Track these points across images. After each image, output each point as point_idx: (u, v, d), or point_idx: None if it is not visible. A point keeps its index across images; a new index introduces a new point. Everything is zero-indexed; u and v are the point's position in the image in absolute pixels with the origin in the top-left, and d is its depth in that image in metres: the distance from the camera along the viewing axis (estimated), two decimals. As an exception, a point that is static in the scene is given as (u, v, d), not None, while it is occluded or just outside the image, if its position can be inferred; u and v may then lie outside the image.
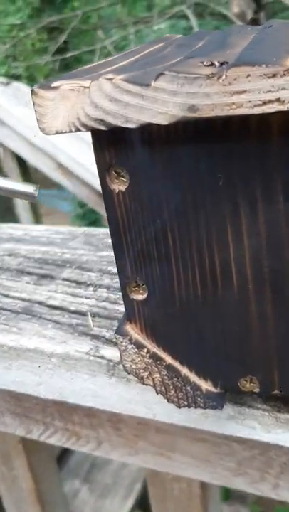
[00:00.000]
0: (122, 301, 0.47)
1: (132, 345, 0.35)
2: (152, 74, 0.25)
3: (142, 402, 0.41)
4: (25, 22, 4.72)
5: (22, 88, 2.28)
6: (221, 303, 0.31)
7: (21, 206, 2.46)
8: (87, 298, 0.49)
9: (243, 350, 0.32)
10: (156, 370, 0.35)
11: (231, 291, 0.31)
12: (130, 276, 0.33)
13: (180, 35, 0.42)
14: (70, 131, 0.27)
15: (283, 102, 0.23)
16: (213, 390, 0.34)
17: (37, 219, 2.49)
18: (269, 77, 0.23)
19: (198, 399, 0.34)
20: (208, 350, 0.33)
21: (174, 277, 0.32)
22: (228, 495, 1.88)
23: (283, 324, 0.31)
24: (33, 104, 0.27)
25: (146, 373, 0.35)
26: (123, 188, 0.30)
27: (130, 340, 0.35)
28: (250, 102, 0.24)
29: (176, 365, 0.34)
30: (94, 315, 0.46)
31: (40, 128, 0.27)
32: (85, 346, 0.43)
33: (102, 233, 0.61)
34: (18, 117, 2.04)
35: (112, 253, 0.55)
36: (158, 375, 0.35)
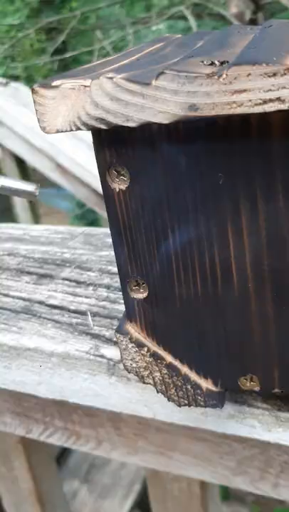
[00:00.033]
0: (121, 301, 0.47)
1: (133, 344, 0.35)
2: (153, 73, 0.25)
3: (142, 401, 0.41)
4: (23, 22, 4.72)
5: (21, 88, 2.28)
6: (222, 301, 0.31)
7: (20, 206, 2.46)
8: (87, 297, 0.49)
9: (243, 349, 0.32)
10: (157, 368, 0.35)
11: (232, 290, 0.31)
12: (130, 275, 0.33)
13: (180, 35, 0.42)
14: (71, 130, 0.27)
15: (284, 101, 0.23)
16: (213, 388, 0.34)
17: (36, 219, 2.49)
18: (269, 76, 0.23)
19: (199, 397, 0.35)
20: (209, 348, 0.33)
21: (174, 276, 0.32)
22: (228, 495, 1.88)
23: (283, 323, 0.31)
24: (34, 102, 0.27)
25: (147, 372, 0.35)
26: (123, 186, 0.30)
27: (130, 339, 0.35)
28: (250, 101, 0.24)
29: (177, 363, 0.34)
30: (94, 314, 0.46)
31: (40, 127, 0.27)
32: (85, 345, 0.43)
33: (102, 233, 0.61)
34: (16, 117, 2.05)
35: (112, 253, 0.55)
36: (158, 374, 0.35)
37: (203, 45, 0.32)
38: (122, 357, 0.36)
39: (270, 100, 0.23)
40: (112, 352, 0.42)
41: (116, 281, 0.50)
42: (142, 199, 0.30)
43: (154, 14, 3.73)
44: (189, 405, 0.35)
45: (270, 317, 0.31)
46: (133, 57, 0.31)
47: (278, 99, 0.23)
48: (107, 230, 0.61)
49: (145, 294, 0.33)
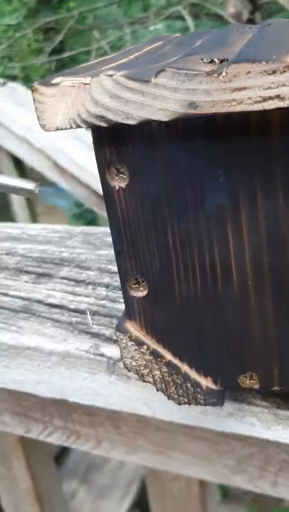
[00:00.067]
0: (121, 300, 0.47)
1: (132, 343, 0.35)
2: (153, 70, 0.25)
3: (141, 400, 0.41)
4: (21, 22, 4.71)
5: (18, 88, 2.28)
6: (221, 299, 0.31)
7: (18, 205, 2.46)
8: (86, 296, 0.49)
9: (243, 347, 0.32)
10: (157, 367, 0.35)
11: (231, 288, 0.31)
12: (130, 273, 0.33)
13: (178, 34, 0.42)
14: (71, 128, 0.27)
15: (283, 98, 0.23)
16: (213, 386, 0.34)
17: (34, 218, 2.49)
18: (269, 74, 0.23)
19: (199, 396, 0.35)
20: (208, 346, 0.33)
21: (174, 274, 0.32)
22: (226, 494, 1.88)
23: (283, 320, 0.31)
24: (34, 100, 0.27)
25: (147, 370, 0.35)
26: (123, 184, 0.30)
27: (130, 337, 0.35)
28: (250, 98, 0.24)
29: (177, 362, 0.34)
30: (93, 313, 0.46)
31: (40, 125, 0.27)
32: (84, 344, 0.43)
33: (101, 232, 0.61)
34: (14, 117, 2.04)
35: (111, 252, 0.55)
36: (158, 372, 0.35)
37: (202, 43, 0.32)
38: (121, 355, 0.36)
39: (270, 98, 0.23)
40: (111, 351, 0.42)
41: (115, 280, 0.50)
42: (141, 197, 0.30)
43: (152, 14, 3.73)
44: (189, 403, 0.35)
45: (269, 315, 0.31)
46: (132, 56, 0.31)
47: (278, 96, 0.23)
48: (106, 229, 0.61)
49: (145, 292, 0.33)
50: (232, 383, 0.34)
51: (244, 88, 0.24)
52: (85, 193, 2.01)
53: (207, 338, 0.33)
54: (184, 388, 0.35)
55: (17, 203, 2.45)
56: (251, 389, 0.34)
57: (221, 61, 0.26)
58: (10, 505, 0.75)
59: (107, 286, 0.50)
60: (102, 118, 0.26)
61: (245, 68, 0.23)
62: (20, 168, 2.38)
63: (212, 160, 0.27)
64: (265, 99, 0.24)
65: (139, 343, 0.35)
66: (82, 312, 0.47)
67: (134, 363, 0.36)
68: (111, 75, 0.26)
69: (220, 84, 0.24)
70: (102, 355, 0.42)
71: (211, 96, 0.24)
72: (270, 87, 0.23)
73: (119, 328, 0.35)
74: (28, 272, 0.54)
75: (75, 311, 0.47)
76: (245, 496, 1.92)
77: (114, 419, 0.50)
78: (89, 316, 0.46)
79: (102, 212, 2.01)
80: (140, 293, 0.33)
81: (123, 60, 0.30)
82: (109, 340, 0.43)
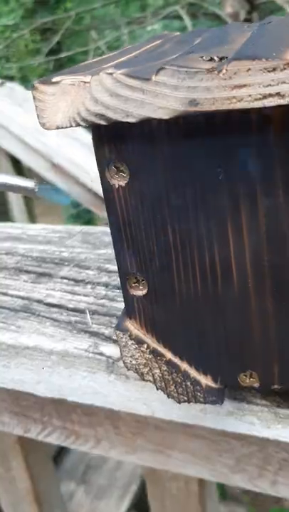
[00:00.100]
0: (120, 299, 0.47)
1: (132, 341, 0.35)
2: (153, 68, 0.25)
3: (141, 399, 0.41)
4: (18, 23, 4.71)
5: (16, 88, 2.28)
6: (221, 298, 0.31)
7: (16, 206, 2.45)
8: (85, 296, 0.49)
9: (243, 345, 0.32)
10: (156, 365, 0.35)
11: (231, 287, 0.31)
12: (130, 271, 0.33)
13: (177, 33, 0.42)
14: (71, 126, 0.27)
15: (283, 95, 0.23)
16: (213, 385, 0.34)
17: (32, 219, 2.48)
18: (269, 71, 0.23)
19: (198, 394, 0.35)
20: (208, 345, 0.33)
21: (174, 273, 0.32)
22: (225, 494, 1.88)
23: (283, 318, 0.31)
24: (34, 99, 0.27)
25: (147, 369, 0.35)
26: (123, 183, 0.30)
27: (130, 336, 0.35)
28: (250, 96, 0.24)
29: (176, 360, 0.34)
30: (92, 312, 0.46)
31: (40, 123, 0.27)
32: (84, 343, 0.43)
33: (100, 231, 0.61)
34: (12, 117, 2.04)
35: (110, 251, 0.55)
36: (158, 371, 0.35)
37: (202, 41, 0.32)
38: (121, 354, 0.36)
39: (270, 95, 0.23)
40: (111, 350, 0.42)
41: (114, 280, 0.50)
42: (141, 195, 0.30)
43: (149, 14, 3.74)
44: (189, 402, 0.35)
45: (269, 313, 0.31)
46: (132, 54, 0.31)
47: (278, 94, 0.23)
48: (105, 229, 0.61)
49: (145, 291, 0.33)
50: (232, 382, 0.34)
51: (244, 85, 0.24)
52: (82, 193, 2.00)
53: (207, 336, 0.33)
54: (184, 386, 0.35)
55: (15, 205, 2.45)
56: (251, 387, 0.34)
57: (221, 59, 0.26)
58: (9, 505, 0.75)
59: (106, 285, 0.50)
60: (102, 116, 0.26)
61: (245, 65, 0.23)
62: (18, 168, 2.37)
63: (212, 158, 0.27)
64: (265, 97, 0.24)
65: (139, 342, 0.35)
66: (82, 311, 0.47)
67: (133, 362, 0.36)
68: (111, 73, 0.25)
69: (220, 82, 0.24)
70: (101, 354, 0.42)
71: (212, 93, 0.24)
72: (270, 85, 0.23)
73: (119, 327, 0.35)
74: (27, 272, 0.54)
75: (74, 310, 0.47)
76: (243, 496, 1.92)
77: (113, 419, 0.49)
78: (88, 315, 0.46)
79: (99, 212, 2.01)
80: (140, 292, 0.33)
81: (123, 59, 0.30)
82: (108, 339, 0.43)
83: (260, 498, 1.78)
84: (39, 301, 0.49)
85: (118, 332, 0.35)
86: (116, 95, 0.26)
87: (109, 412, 0.48)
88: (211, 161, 0.28)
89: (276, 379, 0.33)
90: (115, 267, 0.34)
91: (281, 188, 0.27)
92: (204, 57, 0.26)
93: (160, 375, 0.35)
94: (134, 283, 0.33)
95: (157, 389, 0.36)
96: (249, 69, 0.23)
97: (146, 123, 0.27)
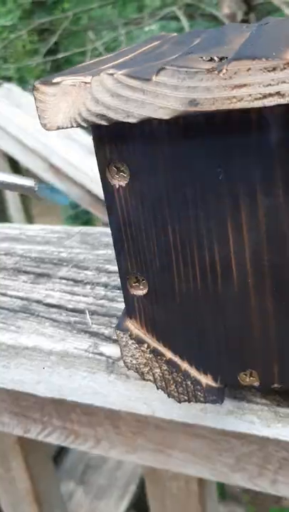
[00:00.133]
0: (120, 299, 0.47)
1: (133, 341, 0.35)
2: (153, 69, 0.25)
3: (141, 399, 0.41)
4: (15, 24, 4.71)
5: (13, 89, 2.28)
6: (221, 297, 0.31)
7: (12, 204, 2.45)
8: (84, 296, 0.49)
9: (243, 345, 0.32)
10: (157, 365, 0.35)
11: (231, 286, 0.31)
12: (130, 271, 0.33)
13: (175, 34, 0.42)
14: (72, 127, 0.27)
15: (283, 95, 0.24)
16: (213, 384, 0.34)
17: (29, 218, 2.48)
18: (269, 71, 0.23)
19: (199, 393, 0.35)
20: (208, 344, 0.33)
21: (174, 272, 0.32)
22: (224, 494, 1.88)
23: (283, 317, 0.31)
24: (35, 99, 0.27)
25: (147, 368, 0.35)
26: (123, 183, 0.30)
27: (130, 335, 0.35)
28: (250, 95, 0.24)
29: (177, 359, 0.34)
30: (92, 313, 0.46)
31: (41, 124, 0.27)
32: (83, 343, 0.43)
33: (98, 232, 0.61)
34: (9, 118, 2.04)
35: (109, 251, 0.55)
36: (158, 370, 0.35)
37: (201, 42, 0.32)
38: (122, 354, 0.36)
39: (270, 95, 0.24)
40: (111, 350, 0.42)
41: (113, 280, 0.50)
42: (142, 195, 0.30)
43: (147, 15, 3.74)
44: (189, 401, 0.35)
45: (269, 312, 0.31)
46: (131, 55, 0.32)
47: (278, 93, 0.24)
48: (104, 229, 0.61)
49: (145, 291, 0.33)
50: (232, 381, 0.34)
51: (244, 85, 0.24)
52: (80, 194, 2.00)
53: (207, 336, 0.33)
54: (184, 386, 0.35)
55: (12, 205, 2.45)
56: (251, 386, 0.34)
57: (221, 59, 0.26)
58: (8, 505, 0.75)
59: (105, 285, 0.50)
60: (102, 117, 0.27)
61: (245, 65, 0.23)
62: (16, 168, 2.37)
63: (212, 158, 0.28)
64: (265, 96, 0.24)
65: (140, 342, 0.35)
66: (81, 312, 0.47)
67: (134, 362, 0.36)
68: (112, 74, 0.26)
69: (220, 82, 0.24)
70: (101, 354, 0.42)
71: (212, 93, 0.24)
72: (270, 84, 0.23)
73: (120, 327, 0.35)
74: (26, 272, 0.54)
75: (73, 310, 0.47)
76: (243, 495, 1.93)
77: (113, 419, 0.50)
78: (88, 316, 0.46)
79: (97, 213, 2.01)
80: (140, 291, 0.33)
81: (123, 59, 0.30)
82: (108, 339, 0.43)
83: (260, 497, 1.78)
84: (38, 302, 0.49)
85: (118, 332, 0.35)
86: (117, 95, 0.26)
87: (109, 411, 0.48)
88: (211, 161, 0.28)
89: (276, 378, 0.33)
90: (114, 268, 0.34)
91: (281, 187, 0.27)
92: (204, 58, 0.26)
93: (160, 374, 0.35)
94: (135, 283, 0.33)
95: (158, 388, 0.36)
96: (249, 69, 0.23)
97: (147, 123, 0.27)
